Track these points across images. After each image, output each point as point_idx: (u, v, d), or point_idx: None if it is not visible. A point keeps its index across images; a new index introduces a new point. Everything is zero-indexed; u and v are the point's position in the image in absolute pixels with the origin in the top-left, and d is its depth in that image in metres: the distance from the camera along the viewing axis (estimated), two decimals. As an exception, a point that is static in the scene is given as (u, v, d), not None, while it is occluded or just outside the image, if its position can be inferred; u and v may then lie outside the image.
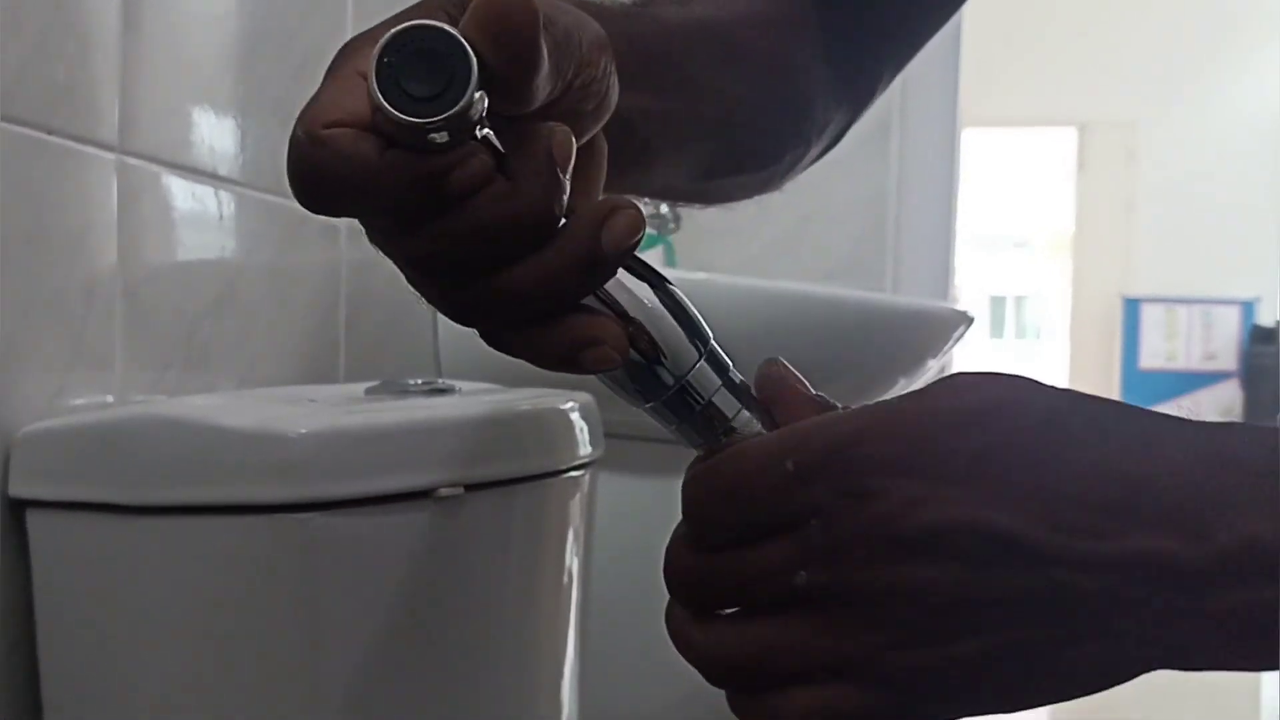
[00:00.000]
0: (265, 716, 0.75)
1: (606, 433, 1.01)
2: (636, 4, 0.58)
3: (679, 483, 0.46)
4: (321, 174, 0.39)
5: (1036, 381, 0.43)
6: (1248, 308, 6.41)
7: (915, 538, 0.41)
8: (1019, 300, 9.09)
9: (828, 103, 0.66)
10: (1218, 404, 6.50)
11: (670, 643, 0.45)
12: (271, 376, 1.07)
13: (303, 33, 1.13)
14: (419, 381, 0.93)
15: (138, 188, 0.90)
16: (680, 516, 0.45)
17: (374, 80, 0.38)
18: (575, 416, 0.96)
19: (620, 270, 0.43)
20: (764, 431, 0.45)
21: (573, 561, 0.95)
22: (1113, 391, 6.79)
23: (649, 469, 1.33)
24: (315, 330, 1.16)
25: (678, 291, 0.44)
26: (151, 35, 0.91)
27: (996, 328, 8.80)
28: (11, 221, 0.78)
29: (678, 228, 1.58)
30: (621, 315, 0.43)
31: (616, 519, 1.26)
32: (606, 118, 0.47)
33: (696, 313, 0.44)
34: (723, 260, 1.71)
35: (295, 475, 0.74)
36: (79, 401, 0.84)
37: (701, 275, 1.35)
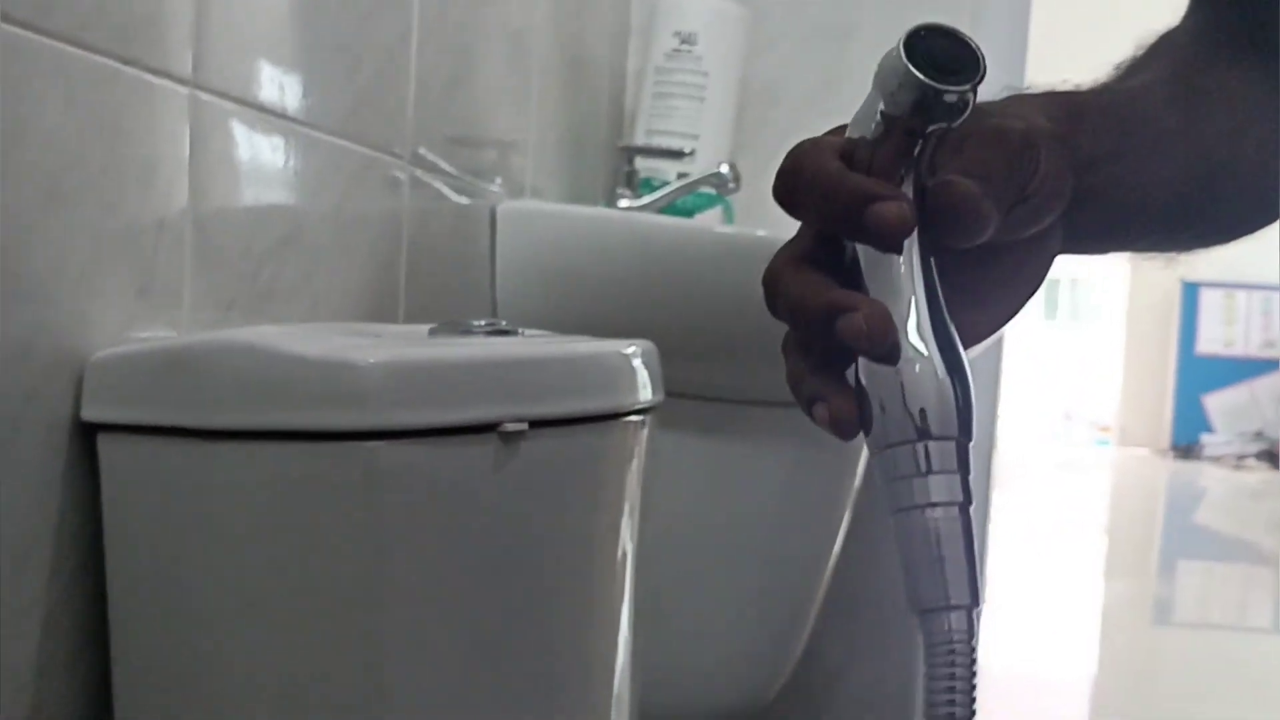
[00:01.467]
0: (326, 641, 0.76)
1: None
2: (1103, 82, 0.63)
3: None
4: (784, 170, 0.48)
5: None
6: (1308, 295, 6.31)
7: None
8: (1074, 282, 9.00)
9: None
10: (1275, 391, 6.41)
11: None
12: (333, 319, 1.08)
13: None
14: (482, 322, 0.94)
15: (209, 124, 0.91)
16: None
17: (902, 42, 0.44)
18: (637, 362, 0.96)
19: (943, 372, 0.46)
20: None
21: (632, 507, 0.96)
22: (1168, 377, 6.71)
23: (704, 428, 1.34)
24: (377, 275, 1.16)
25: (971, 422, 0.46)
26: (226, -30, 0.92)
27: (1050, 309, 8.72)
28: (87, 150, 0.79)
29: (738, 188, 1.57)
30: (919, 367, 0.46)
31: (667, 476, 1.26)
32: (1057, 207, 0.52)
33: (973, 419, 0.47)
34: (780, 218, 1.70)
35: (363, 404, 0.74)
36: (146, 334, 0.85)
37: (761, 232, 1.35)
